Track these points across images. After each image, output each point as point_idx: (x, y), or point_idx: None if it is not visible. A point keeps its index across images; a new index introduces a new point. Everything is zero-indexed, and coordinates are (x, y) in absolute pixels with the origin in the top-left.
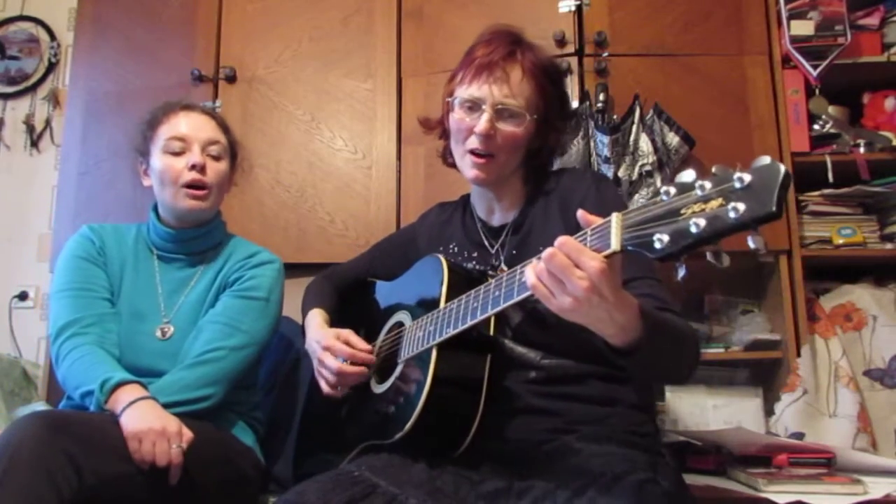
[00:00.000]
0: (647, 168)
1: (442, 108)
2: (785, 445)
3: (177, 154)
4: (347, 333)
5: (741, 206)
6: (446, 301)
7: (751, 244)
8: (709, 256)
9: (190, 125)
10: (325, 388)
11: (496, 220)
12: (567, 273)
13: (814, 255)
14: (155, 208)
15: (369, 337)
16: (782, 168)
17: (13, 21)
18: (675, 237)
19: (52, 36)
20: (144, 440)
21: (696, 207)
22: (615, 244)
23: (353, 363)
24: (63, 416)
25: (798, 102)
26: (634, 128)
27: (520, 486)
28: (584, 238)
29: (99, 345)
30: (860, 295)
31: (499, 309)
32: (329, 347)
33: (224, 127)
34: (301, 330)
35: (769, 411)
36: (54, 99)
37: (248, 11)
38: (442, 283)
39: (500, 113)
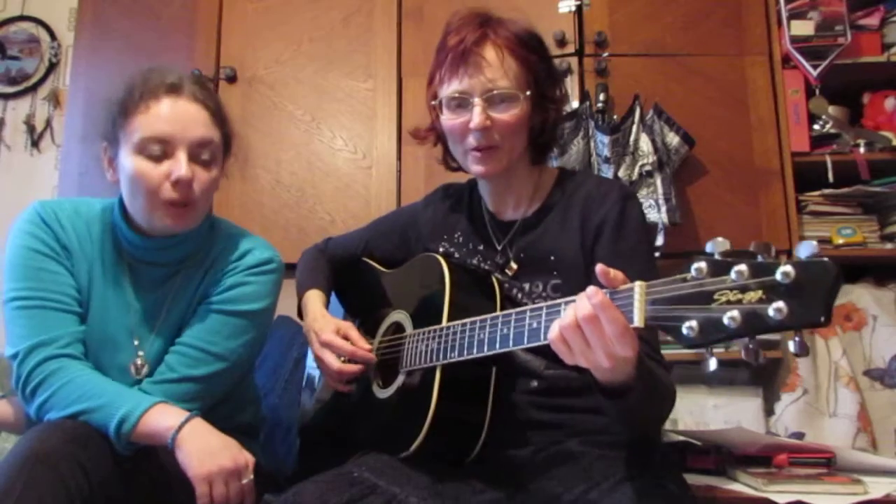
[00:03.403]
0: (647, 168)
1: (429, 113)
2: (785, 445)
3: (155, 159)
4: (347, 327)
5: (784, 307)
6: (449, 314)
7: (791, 348)
8: (743, 354)
9: (175, 120)
10: (328, 381)
11: (506, 215)
12: (600, 339)
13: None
14: (122, 203)
15: (364, 330)
16: (833, 269)
17: (13, 21)
18: (705, 327)
19: (53, 36)
20: (216, 483)
21: (732, 296)
22: (638, 320)
23: (352, 360)
24: (83, 428)
25: (798, 102)
26: (634, 128)
27: (522, 497)
28: None
29: (88, 366)
30: (860, 295)
31: (507, 350)
32: (328, 343)
33: (220, 118)
34: (297, 309)
35: (769, 411)
36: (55, 99)
37: (248, 11)
38: (444, 295)
39: (490, 100)
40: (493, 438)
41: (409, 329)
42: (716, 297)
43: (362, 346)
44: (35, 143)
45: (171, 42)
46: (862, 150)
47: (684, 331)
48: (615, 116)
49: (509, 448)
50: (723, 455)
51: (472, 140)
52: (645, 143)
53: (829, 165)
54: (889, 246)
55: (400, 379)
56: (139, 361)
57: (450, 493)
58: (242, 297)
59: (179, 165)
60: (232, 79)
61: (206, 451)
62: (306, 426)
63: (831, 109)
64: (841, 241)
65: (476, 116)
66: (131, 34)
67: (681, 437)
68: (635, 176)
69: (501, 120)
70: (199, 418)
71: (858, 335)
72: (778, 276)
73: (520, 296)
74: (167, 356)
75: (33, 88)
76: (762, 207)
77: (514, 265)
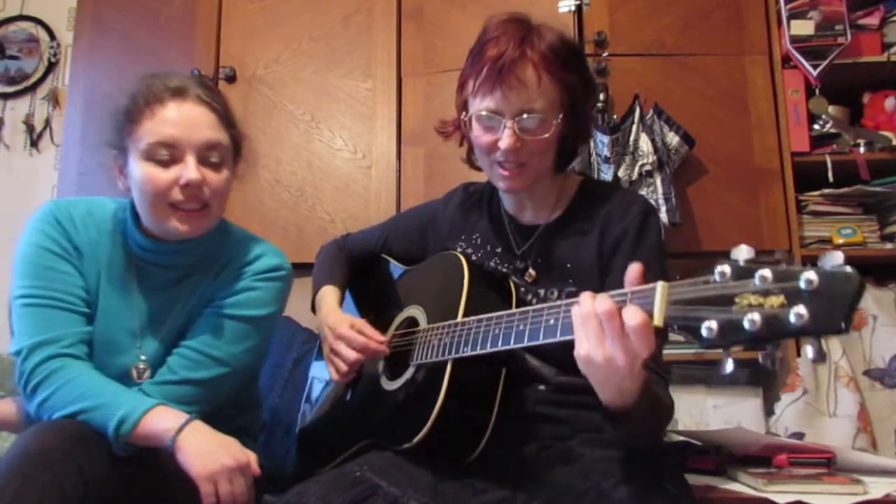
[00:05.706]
0: (647, 168)
1: (457, 115)
2: (785, 445)
3: (164, 164)
4: (361, 324)
5: (804, 313)
6: (465, 311)
7: (809, 354)
8: (761, 359)
9: (182, 124)
10: (333, 374)
11: (527, 218)
12: (616, 335)
13: (814, 254)
14: (133, 206)
15: (379, 324)
16: (856, 279)
17: (13, 21)
18: (724, 329)
19: (52, 36)
20: (220, 481)
21: (753, 299)
22: (658, 319)
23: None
24: (81, 428)
25: (798, 102)
26: (634, 127)
27: (523, 498)
28: (623, 298)
29: (89, 366)
30: None
31: (521, 346)
32: (343, 337)
33: (227, 119)
34: (311, 304)
35: (769, 411)
36: (54, 99)
37: (248, 11)
38: (462, 291)
39: (521, 121)
40: (496, 434)
41: (423, 324)
42: (737, 300)
43: (377, 338)
44: (34, 143)
45: (171, 42)
46: (862, 149)
47: (703, 331)
48: (615, 116)
49: (512, 445)
50: (723, 455)
51: (499, 155)
52: (645, 143)
53: (829, 165)
54: (889, 246)
55: (409, 371)
56: (141, 365)
57: (451, 494)
58: (248, 302)
59: (188, 169)
60: (231, 79)
61: (206, 451)
62: (308, 424)
63: (831, 109)
64: (841, 241)
65: (506, 138)
66: (130, 34)
67: (681, 437)
68: (635, 176)
69: (531, 141)
70: (199, 420)
71: (858, 335)
72: (801, 283)
73: (535, 301)
74: (170, 358)
75: (32, 88)
76: (762, 207)
77: (532, 272)
